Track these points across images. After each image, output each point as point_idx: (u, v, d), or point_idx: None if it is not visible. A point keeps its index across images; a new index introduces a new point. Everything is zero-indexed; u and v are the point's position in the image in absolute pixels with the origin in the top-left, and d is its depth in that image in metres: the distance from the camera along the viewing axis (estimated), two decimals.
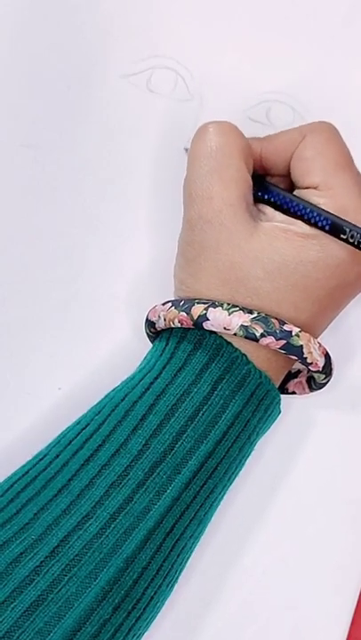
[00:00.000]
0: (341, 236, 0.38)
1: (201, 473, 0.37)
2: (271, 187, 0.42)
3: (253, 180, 0.42)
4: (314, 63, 0.48)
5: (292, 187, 0.42)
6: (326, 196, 0.39)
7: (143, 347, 0.43)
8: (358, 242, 0.38)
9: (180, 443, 0.36)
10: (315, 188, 0.40)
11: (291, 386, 0.42)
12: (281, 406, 0.40)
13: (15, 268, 0.45)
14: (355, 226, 0.38)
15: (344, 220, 0.38)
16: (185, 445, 0.37)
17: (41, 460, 0.37)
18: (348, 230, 0.38)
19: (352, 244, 0.38)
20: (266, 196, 0.42)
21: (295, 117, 0.47)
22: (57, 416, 0.44)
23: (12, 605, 0.33)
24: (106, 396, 0.39)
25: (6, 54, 0.46)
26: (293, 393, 0.42)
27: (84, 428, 0.38)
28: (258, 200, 0.42)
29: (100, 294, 0.45)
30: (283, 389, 0.43)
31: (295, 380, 0.42)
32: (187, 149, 0.43)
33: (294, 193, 0.41)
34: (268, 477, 0.44)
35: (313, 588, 0.45)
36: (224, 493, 0.39)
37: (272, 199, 0.42)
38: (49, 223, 0.45)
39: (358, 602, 0.45)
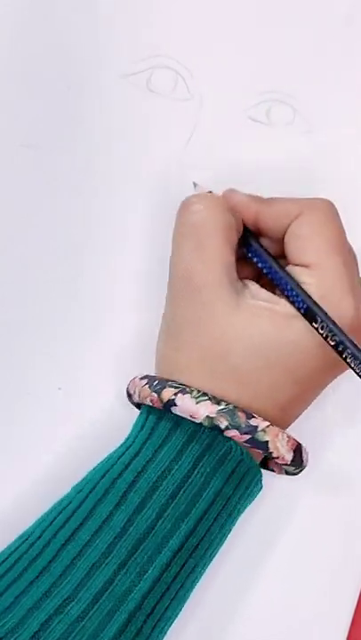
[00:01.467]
0: (313, 324, 0.38)
1: (182, 552, 0.36)
2: (261, 253, 0.41)
3: (245, 238, 0.42)
4: (314, 63, 0.48)
5: (283, 252, 0.42)
6: (316, 276, 0.39)
7: (143, 347, 0.43)
8: (327, 335, 0.38)
9: (161, 521, 0.36)
10: (306, 266, 0.39)
11: (270, 463, 0.42)
12: (263, 482, 0.40)
13: (15, 268, 0.45)
14: (328, 317, 0.38)
15: (321, 310, 0.38)
16: (166, 525, 0.36)
17: (24, 541, 0.37)
18: (319, 320, 0.38)
19: (321, 335, 0.38)
20: (254, 259, 0.42)
21: (295, 117, 0.47)
22: (57, 416, 0.44)
23: None
24: (87, 474, 0.39)
25: (6, 54, 0.46)
26: (273, 470, 0.42)
27: (65, 507, 0.37)
28: (246, 260, 0.42)
29: (100, 294, 0.45)
30: (264, 464, 0.42)
31: (273, 460, 0.42)
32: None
33: (287, 268, 0.40)
34: (268, 480, 0.44)
35: (313, 588, 0.45)
36: (204, 571, 0.39)
37: (259, 264, 0.41)
38: (49, 223, 0.45)
39: (358, 602, 0.45)
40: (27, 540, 0.37)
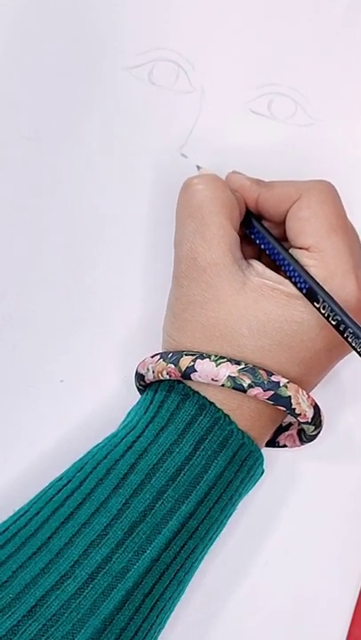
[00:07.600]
0: (315, 304, 0.38)
1: (181, 533, 0.37)
2: (263, 234, 0.42)
3: (248, 220, 0.42)
4: (316, 56, 0.48)
5: (286, 236, 0.42)
6: (317, 258, 0.39)
7: (146, 339, 0.43)
8: (329, 315, 0.38)
9: (160, 502, 0.36)
10: (307, 249, 0.40)
11: (282, 439, 0.42)
12: (264, 465, 0.40)
13: (17, 261, 0.45)
14: (329, 297, 0.38)
15: (322, 290, 0.38)
16: (165, 505, 0.36)
17: (22, 515, 0.37)
18: (321, 300, 0.38)
19: (323, 315, 0.38)
20: (257, 242, 0.42)
21: (297, 110, 0.47)
22: (59, 408, 0.44)
23: None
24: (88, 453, 0.39)
25: (8, 47, 0.46)
26: (285, 446, 0.42)
27: (65, 485, 0.37)
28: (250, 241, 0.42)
29: (102, 286, 0.46)
30: (274, 442, 0.42)
31: (286, 433, 0.42)
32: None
33: (290, 251, 0.41)
34: (271, 488, 0.44)
35: (313, 587, 0.45)
36: (205, 554, 0.39)
37: (262, 246, 0.42)
38: (51, 216, 0.45)
39: (358, 601, 0.45)
40: (24, 514, 0.37)
